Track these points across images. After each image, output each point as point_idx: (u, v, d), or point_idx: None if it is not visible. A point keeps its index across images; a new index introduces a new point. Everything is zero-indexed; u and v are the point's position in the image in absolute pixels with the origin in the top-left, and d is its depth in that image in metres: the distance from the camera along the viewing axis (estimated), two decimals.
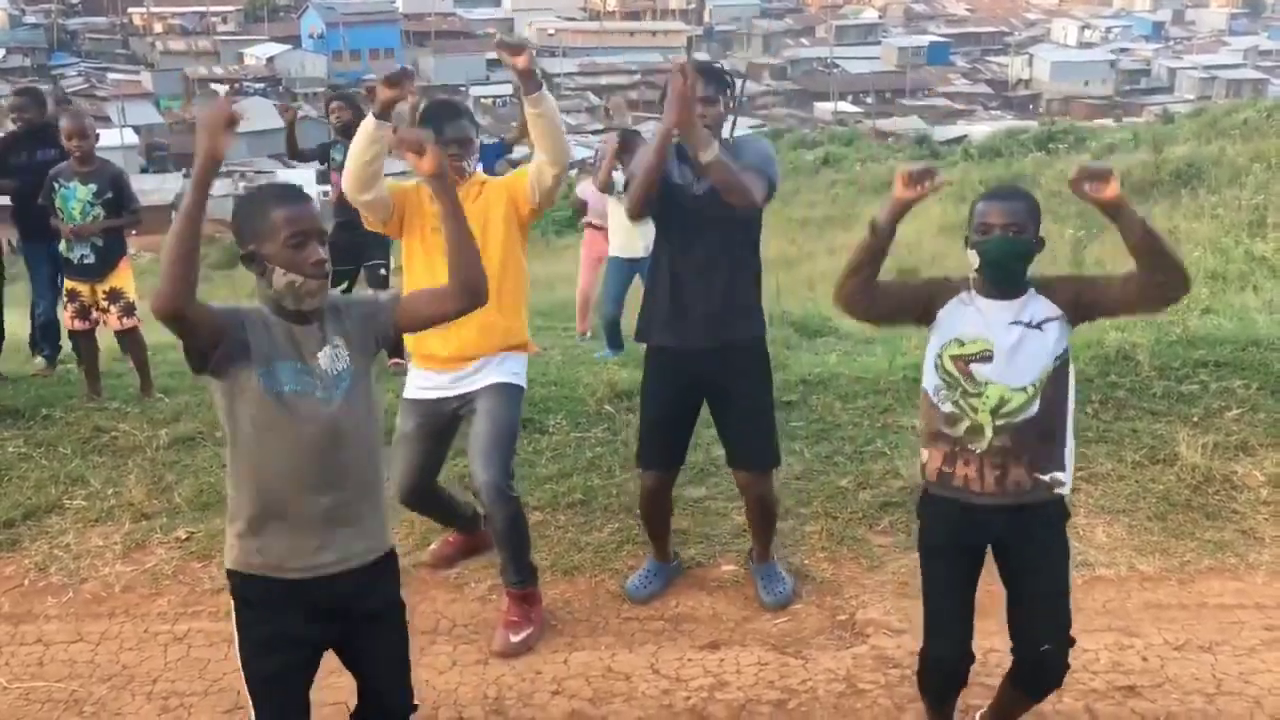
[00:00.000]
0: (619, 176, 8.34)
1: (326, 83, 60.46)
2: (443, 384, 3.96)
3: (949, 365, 2.99)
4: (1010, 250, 2.90)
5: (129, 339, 6.45)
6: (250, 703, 2.70)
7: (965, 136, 41.98)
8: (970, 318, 2.98)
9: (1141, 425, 5.42)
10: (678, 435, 4.08)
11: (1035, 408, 2.93)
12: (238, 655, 2.72)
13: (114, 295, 6.26)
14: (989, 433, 2.95)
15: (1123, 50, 78.60)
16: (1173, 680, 3.70)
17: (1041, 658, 3.02)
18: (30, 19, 75.54)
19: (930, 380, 3.04)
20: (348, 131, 7.70)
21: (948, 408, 3.00)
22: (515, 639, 3.98)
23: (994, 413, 2.94)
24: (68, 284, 6.27)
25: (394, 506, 3.74)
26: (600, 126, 58.53)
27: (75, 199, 6.11)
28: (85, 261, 6.17)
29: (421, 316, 2.80)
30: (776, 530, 4.26)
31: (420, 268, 3.90)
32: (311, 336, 2.64)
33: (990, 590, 4.19)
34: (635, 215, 3.94)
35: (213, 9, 77.93)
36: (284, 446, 2.61)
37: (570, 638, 4.02)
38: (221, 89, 62.91)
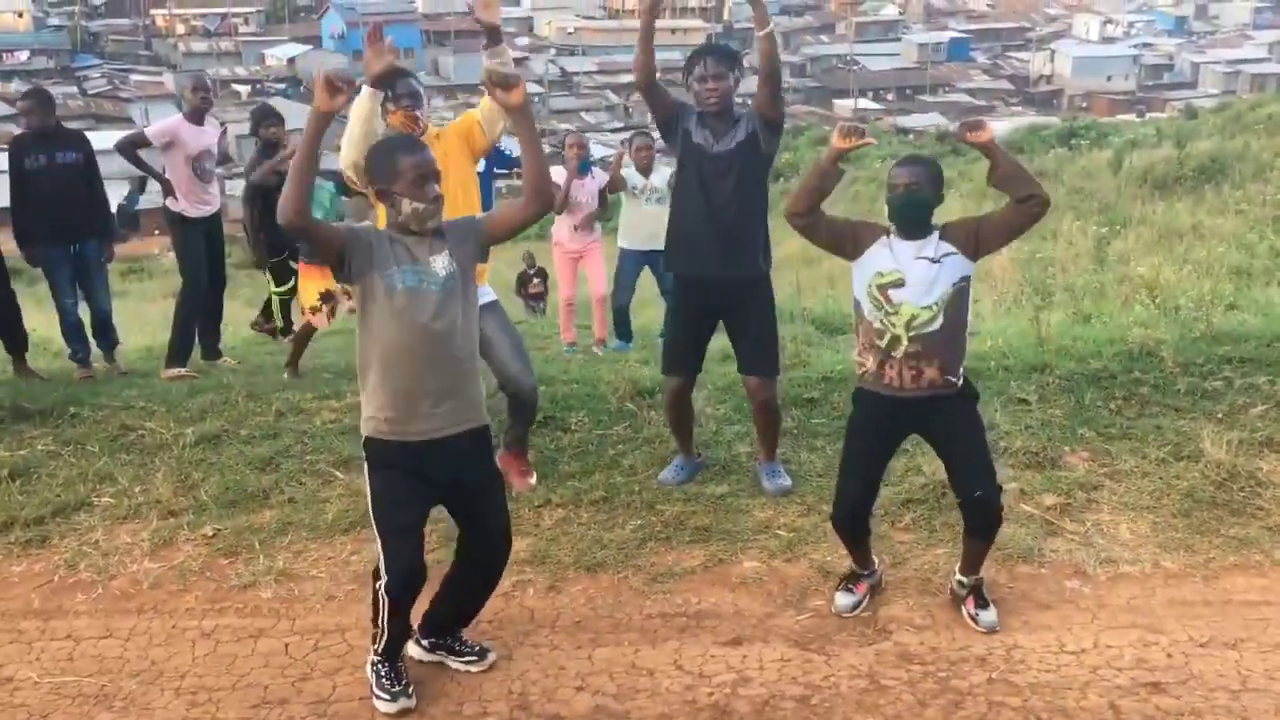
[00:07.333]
0: (630, 174, 8.39)
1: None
2: None
3: (875, 292, 3.81)
4: (909, 202, 3.78)
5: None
6: (381, 545, 3.43)
7: None
8: (887, 256, 3.83)
9: (1165, 422, 5.40)
10: (695, 350, 4.99)
11: (939, 322, 3.77)
12: (371, 509, 3.49)
13: None
14: (904, 342, 3.79)
15: (1145, 45, 78.05)
16: (1197, 677, 3.69)
17: (976, 501, 3.86)
18: (54, 21, 76.17)
19: (865, 304, 3.86)
20: (267, 151, 7.73)
21: (877, 324, 3.82)
22: (533, 480, 5.08)
23: (907, 326, 3.77)
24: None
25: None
26: (620, 124, 58.54)
27: None
28: None
29: (507, 225, 3.57)
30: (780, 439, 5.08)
31: None
32: (424, 245, 3.41)
33: (1012, 588, 4.22)
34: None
35: (234, 10, 78.35)
36: (404, 332, 3.35)
37: (594, 634, 4.03)
38: (244, 89, 63.28)
